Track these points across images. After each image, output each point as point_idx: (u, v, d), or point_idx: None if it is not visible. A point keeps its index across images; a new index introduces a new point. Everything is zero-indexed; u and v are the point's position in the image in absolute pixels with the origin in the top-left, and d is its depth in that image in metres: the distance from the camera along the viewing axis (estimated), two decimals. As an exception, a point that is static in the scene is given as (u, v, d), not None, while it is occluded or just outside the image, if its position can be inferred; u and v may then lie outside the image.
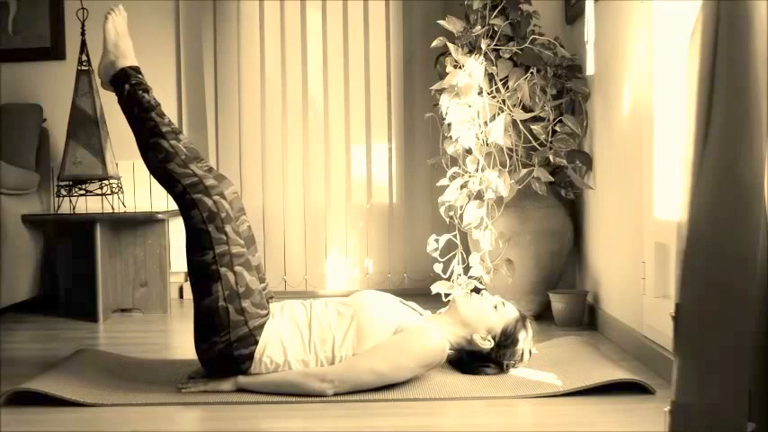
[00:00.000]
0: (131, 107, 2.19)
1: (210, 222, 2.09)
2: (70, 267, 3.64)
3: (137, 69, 2.26)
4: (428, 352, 2.10)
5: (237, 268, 2.09)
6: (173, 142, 2.14)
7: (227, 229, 2.10)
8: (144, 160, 2.18)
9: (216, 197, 2.11)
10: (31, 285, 3.55)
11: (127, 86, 2.21)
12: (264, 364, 2.07)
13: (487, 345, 2.20)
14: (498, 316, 2.22)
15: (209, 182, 2.12)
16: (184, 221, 2.14)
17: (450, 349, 2.22)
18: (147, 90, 2.21)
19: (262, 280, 2.18)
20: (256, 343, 2.07)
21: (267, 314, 2.11)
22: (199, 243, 2.09)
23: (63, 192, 3.68)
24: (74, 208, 3.74)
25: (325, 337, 2.10)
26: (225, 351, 2.06)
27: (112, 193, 3.69)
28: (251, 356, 2.07)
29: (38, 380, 2.13)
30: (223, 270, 2.07)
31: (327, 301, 2.24)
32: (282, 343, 2.08)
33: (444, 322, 2.23)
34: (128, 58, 2.26)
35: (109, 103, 3.86)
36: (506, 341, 2.20)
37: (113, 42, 2.28)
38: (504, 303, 2.27)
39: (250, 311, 2.07)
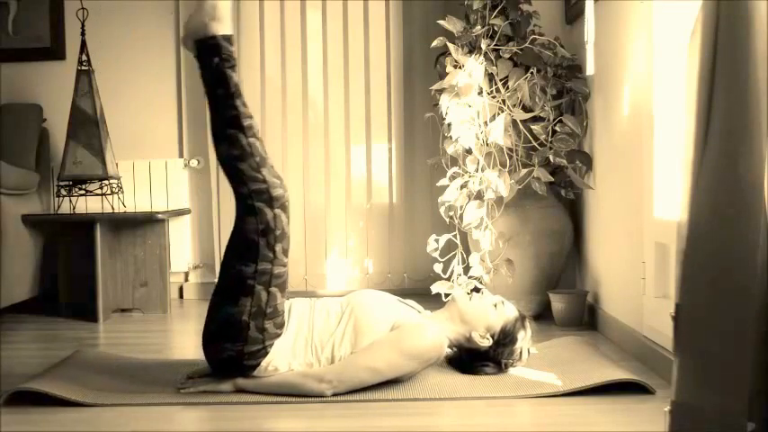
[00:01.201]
0: (215, 86, 2.01)
1: (263, 237, 2.01)
2: (70, 267, 3.64)
3: (230, 40, 2.02)
4: (424, 348, 2.10)
5: (273, 289, 2.04)
6: (251, 140, 2.01)
7: (277, 248, 2.03)
8: (215, 148, 2.05)
9: (277, 210, 2.02)
10: (31, 285, 3.55)
11: (216, 60, 1.99)
12: (269, 371, 2.07)
13: (486, 343, 2.20)
14: (498, 314, 2.22)
15: (276, 192, 2.02)
16: (237, 222, 2.04)
17: (449, 347, 2.22)
18: (234, 67, 2.01)
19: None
20: (266, 356, 2.06)
21: (281, 333, 2.09)
22: (245, 252, 2.02)
23: (63, 192, 3.68)
24: (74, 208, 3.74)
25: (324, 339, 2.10)
26: (233, 359, 2.05)
27: (112, 193, 3.69)
28: (256, 366, 2.06)
29: (38, 380, 2.13)
30: (258, 288, 2.02)
31: (326, 300, 2.24)
32: (289, 353, 2.08)
33: (443, 319, 2.23)
34: (223, 24, 2.00)
35: (109, 103, 3.88)
36: (505, 340, 2.20)
37: (213, 5, 2.00)
38: (503, 302, 2.27)
39: (270, 332, 2.05)
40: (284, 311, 2.11)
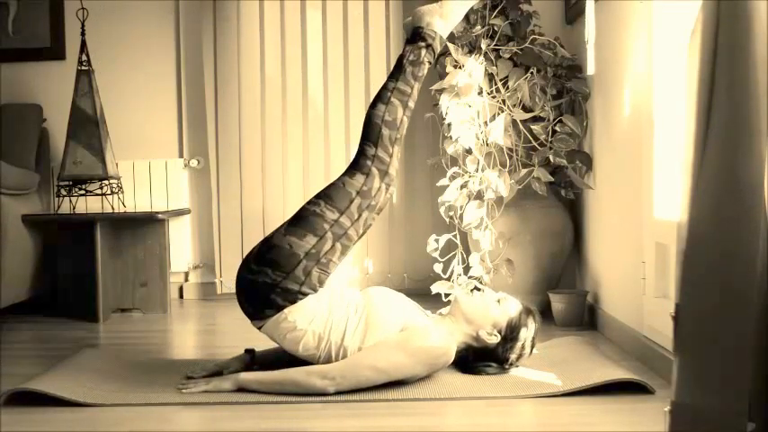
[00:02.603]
0: (411, 66, 2.21)
1: (360, 196, 2.14)
2: (70, 267, 3.64)
3: (442, 41, 2.27)
4: (429, 351, 2.10)
5: (338, 244, 2.12)
6: (405, 118, 2.20)
7: (365, 215, 2.15)
8: (372, 105, 2.21)
9: (383, 186, 2.17)
10: (31, 285, 3.55)
11: (423, 48, 2.22)
12: (285, 324, 2.07)
13: (494, 339, 2.20)
14: (502, 310, 2.22)
15: (392, 171, 2.18)
16: (345, 173, 2.18)
17: (458, 350, 2.21)
18: (429, 63, 2.24)
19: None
20: (294, 302, 2.07)
21: (317, 290, 2.12)
22: (338, 199, 2.13)
23: (63, 192, 3.68)
24: (74, 208, 3.74)
25: (340, 322, 2.11)
26: (266, 288, 2.07)
27: (112, 193, 3.69)
28: (280, 308, 2.07)
29: (38, 380, 2.13)
30: (329, 235, 2.11)
31: (351, 291, 2.23)
32: (311, 316, 2.08)
33: (449, 322, 2.23)
34: (445, 28, 2.26)
35: (109, 103, 3.88)
36: (512, 334, 2.20)
37: (449, 13, 2.27)
38: (506, 298, 2.26)
39: (313, 279, 2.09)
40: (332, 274, 2.15)
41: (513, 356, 2.22)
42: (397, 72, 2.22)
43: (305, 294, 2.08)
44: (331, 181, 2.27)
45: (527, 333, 2.22)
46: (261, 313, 2.09)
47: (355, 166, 2.17)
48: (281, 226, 2.16)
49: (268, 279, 2.07)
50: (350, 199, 2.13)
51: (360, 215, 2.13)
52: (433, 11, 2.26)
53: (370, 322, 2.11)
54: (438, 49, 2.26)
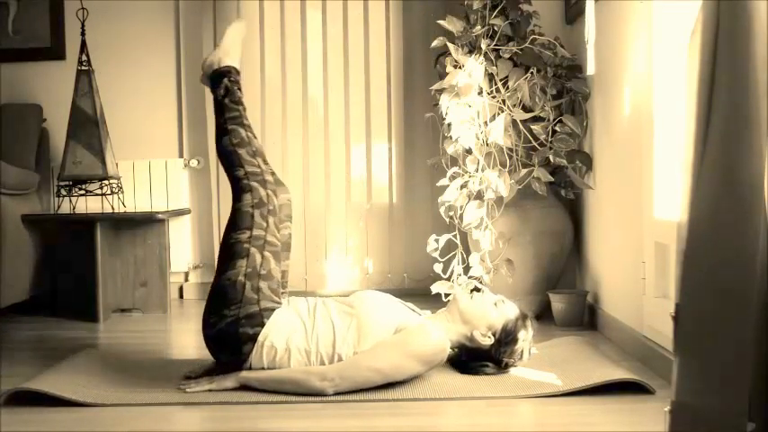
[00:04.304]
0: (225, 97, 2.33)
1: (257, 208, 2.20)
2: (70, 267, 3.64)
3: (238, 71, 2.40)
4: (428, 350, 2.10)
5: (266, 253, 2.17)
6: (249, 134, 2.30)
7: (270, 220, 2.21)
8: (217, 143, 2.31)
9: (269, 191, 2.24)
10: (30, 285, 3.55)
11: (226, 81, 2.35)
12: (266, 349, 2.09)
13: (488, 341, 2.20)
14: (499, 313, 2.22)
15: (268, 177, 2.26)
16: (234, 203, 2.24)
17: (451, 347, 2.22)
18: (239, 90, 2.36)
19: (283, 285, 2.28)
20: (262, 325, 2.09)
21: (279, 303, 2.16)
22: (241, 222, 2.19)
23: (63, 192, 3.68)
24: (74, 208, 3.74)
25: (327, 331, 2.11)
26: (231, 326, 2.08)
27: (112, 193, 3.69)
28: (254, 338, 2.08)
29: (38, 380, 2.13)
30: (253, 250, 2.16)
31: (329, 299, 2.25)
32: (286, 331, 2.10)
33: (445, 320, 2.23)
34: (233, 59, 2.41)
35: (109, 103, 3.88)
36: (507, 338, 2.20)
37: (229, 45, 2.42)
38: (503, 301, 2.27)
39: (265, 293, 2.13)
40: (279, 280, 2.20)
41: (505, 359, 2.22)
42: (219, 109, 2.33)
43: (269, 309, 2.11)
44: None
45: (521, 338, 2.23)
46: (240, 354, 2.10)
47: (237, 191, 2.24)
48: (215, 274, 2.21)
49: (228, 318, 2.10)
50: (250, 215, 2.19)
51: (266, 222, 2.20)
52: (216, 54, 2.40)
53: (362, 326, 2.11)
54: (236, 75, 2.37)
